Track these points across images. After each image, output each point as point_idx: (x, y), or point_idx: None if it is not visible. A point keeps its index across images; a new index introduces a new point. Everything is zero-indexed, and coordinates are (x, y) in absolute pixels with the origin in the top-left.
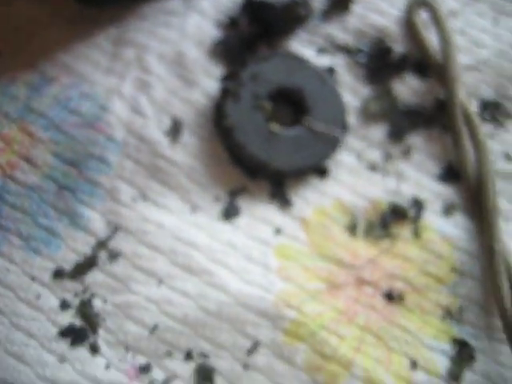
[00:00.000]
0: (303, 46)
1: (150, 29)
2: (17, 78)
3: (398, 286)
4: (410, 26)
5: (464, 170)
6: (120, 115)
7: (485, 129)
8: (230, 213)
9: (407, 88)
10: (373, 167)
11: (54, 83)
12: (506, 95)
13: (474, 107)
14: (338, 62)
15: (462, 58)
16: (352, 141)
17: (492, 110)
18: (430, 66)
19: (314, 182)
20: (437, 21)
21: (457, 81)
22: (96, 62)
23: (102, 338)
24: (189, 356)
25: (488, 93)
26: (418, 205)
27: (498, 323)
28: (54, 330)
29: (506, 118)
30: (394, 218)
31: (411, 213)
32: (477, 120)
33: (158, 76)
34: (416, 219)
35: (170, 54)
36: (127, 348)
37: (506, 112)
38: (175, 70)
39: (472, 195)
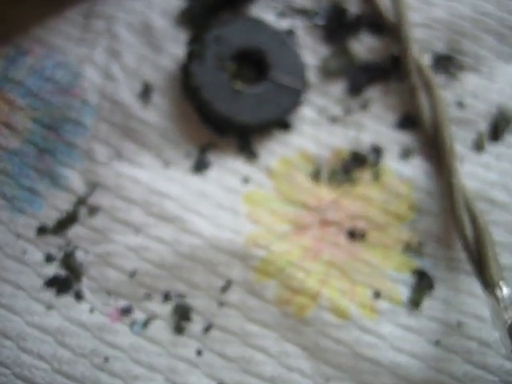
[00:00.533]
0: (264, 12)
1: (117, 1)
2: None
3: (360, 224)
4: None
5: (420, 117)
6: (93, 81)
7: (438, 80)
8: (200, 166)
9: (363, 46)
10: (334, 120)
11: (29, 55)
12: (458, 49)
13: (426, 61)
14: (296, 24)
15: (414, 17)
16: (313, 97)
17: (444, 63)
18: (384, 25)
19: (279, 135)
20: None
21: (409, 38)
22: (68, 33)
23: (85, 285)
24: (167, 297)
25: (440, 48)
26: (376, 151)
27: (456, 255)
28: (40, 282)
29: (458, 70)
30: (354, 164)
31: (371, 159)
32: (430, 73)
33: (127, 44)
34: (375, 164)
35: (138, 23)
36: (109, 293)
37: (458, 64)
38: (143, 38)
39: (429, 140)
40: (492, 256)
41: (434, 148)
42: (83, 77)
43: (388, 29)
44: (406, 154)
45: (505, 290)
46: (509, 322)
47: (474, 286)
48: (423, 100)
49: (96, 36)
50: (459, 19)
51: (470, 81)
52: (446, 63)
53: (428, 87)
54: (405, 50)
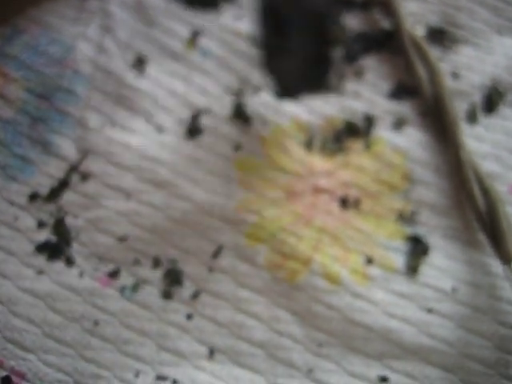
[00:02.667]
0: None
1: None
2: None
3: (353, 193)
4: None
5: (420, 87)
6: (86, 53)
7: (433, 53)
8: (193, 132)
9: (356, 21)
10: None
11: (25, 33)
12: (452, 22)
13: (421, 34)
14: None
15: None
16: None
17: (439, 36)
18: (374, 2)
19: (273, 103)
20: None
21: (401, 13)
22: (63, 14)
23: (75, 250)
24: (157, 262)
25: (435, 21)
26: (369, 120)
27: (450, 223)
28: (31, 247)
29: (453, 43)
30: (347, 134)
31: (363, 128)
32: (425, 45)
33: (120, 20)
34: (368, 133)
35: (131, 1)
36: (100, 258)
37: (453, 37)
38: (136, 14)
39: (426, 110)
40: (507, 229)
41: (430, 118)
42: (76, 50)
43: (379, 5)
44: (399, 123)
45: None
46: None
47: (469, 253)
48: (421, 72)
49: (90, 15)
50: None
51: (464, 53)
52: (441, 36)
53: (425, 59)
54: (398, 24)
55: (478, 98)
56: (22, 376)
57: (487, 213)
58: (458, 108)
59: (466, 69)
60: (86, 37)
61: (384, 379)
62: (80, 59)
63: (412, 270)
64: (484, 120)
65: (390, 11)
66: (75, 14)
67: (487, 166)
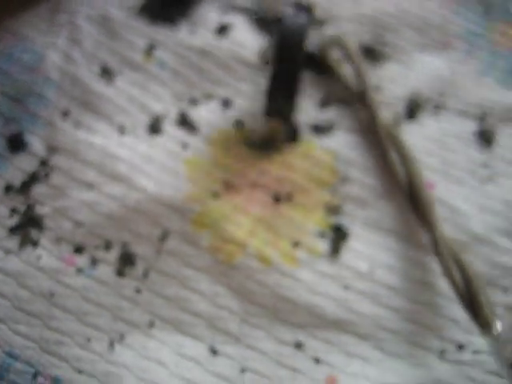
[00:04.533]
0: (209, 10)
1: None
2: None
3: (286, 188)
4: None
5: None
6: (56, 62)
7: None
8: (148, 134)
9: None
10: None
11: (0, 42)
12: (381, 41)
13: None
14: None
15: (344, 12)
16: (254, 76)
17: (369, 52)
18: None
19: (218, 110)
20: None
21: (377, 104)
22: (36, 26)
23: (43, 234)
24: (113, 244)
25: (366, 40)
26: (300, 126)
27: (371, 215)
28: (4, 232)
29: (381, 59)
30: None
31: (298, 132)
32: (400, 135)
33: (87, 33)
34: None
35: (97, 16)
36: (64, 241)
37: (381, 54)
38: (101, 27)
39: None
40: (484, 300)
41: (370, 124)
42: (47, 58)
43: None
44: (330, 127)
45: (499, 328)
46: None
47: (386, 240)
48: (396, 163)
49: (60, 27)
50: (384, 15)
51: (389, 68)
52: (371, 53)
53: (400, 152)
54: (373, 117)
55: (401, 107)
56: None
57: (465, 287)
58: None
59: (391, 82)
60: (55, 47)
61: (299, 345)
62: (50, 67)
63: (334, 253)
64: (406, 126)
65: (366, 103)
66: (47, 26)
67: None
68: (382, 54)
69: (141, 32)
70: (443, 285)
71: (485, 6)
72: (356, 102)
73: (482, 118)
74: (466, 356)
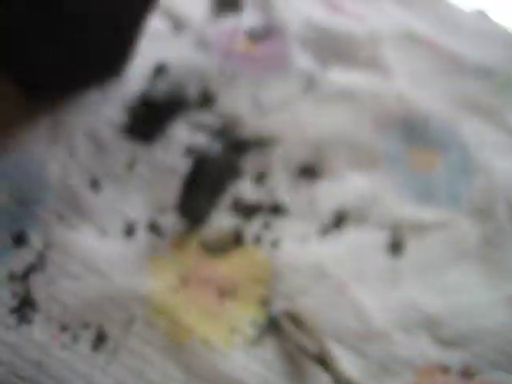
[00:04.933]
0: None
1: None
2: None
3: (229, 284)
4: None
5: None
6: (55, 172)
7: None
8: (127, 234)
9: None
10: None
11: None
12: (319, 161)
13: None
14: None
15: (289, 135)
16: None
17: (308, 170)
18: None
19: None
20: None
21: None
22: (38, 141)
23: (37, 315)
24: (90, 326)
25: (307, 158)
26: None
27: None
28: (5, 310)
29: (316, 175)
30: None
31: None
32: None
33: (81, 147)
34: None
35: (90, 132)
36: (53, 321)
37: (317, 171)
38: (93, 143)
39: None
40: None
41: None
42: (47, 169)
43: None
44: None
45: None
46: None
47: None
48: None
49: (59, 142)
50: (322, 138)
51: (322, 184)
52: (309, 170)
53: None
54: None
55: (327, 219)
56: None
57: None
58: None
59: (321, 197)
60: (55, 159)
61: None
62: (50, 176)
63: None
64: (331, 236)
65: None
66: (46, 141)
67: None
68: (319, 171)
69: (124, 148)
70: None
71: (406, 131)
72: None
73: (394, 230)
74: None
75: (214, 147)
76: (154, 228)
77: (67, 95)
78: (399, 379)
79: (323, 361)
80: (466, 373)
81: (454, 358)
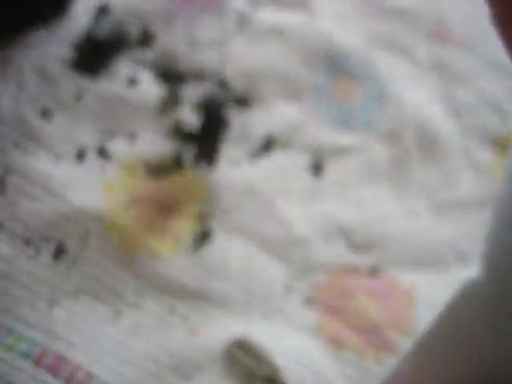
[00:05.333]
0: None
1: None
2: None
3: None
4: None
5: None
6: (7, 105)
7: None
8: (79, 157)
9: None
10: None
11: None
12: (252, 91)
13: None
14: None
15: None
16: None
17: (242, 100)
18: None
19: (129, 142)
20: None
21: None
22: None
23: (1, 233)
24: (51, 240)
25: (241, 89)
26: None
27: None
28: None
29: (249, 104)
30: None
31: None
32: None
33: (31, 81)
34: None
35: (39, 67)
36: (18, 237)
37: (250, 101)
38: (43, 77)
39: None
40: None
41: None
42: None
43: None
44: None
45: None
46: None
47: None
48: None
49: (9, 77)
50: (255, 69)
51: (255, 113)
52: (243, 100)
53: None
54: None
55: (258, 144)
56: None
57: None
58: (242, 148)
59: (253, 124)
60: (6, 93)
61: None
62: (3, 109)
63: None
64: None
65: None
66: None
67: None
68: (251, 101)
69: (72, 80)
70: None
71: (330, 66)
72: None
73: (315, 153)
74: None
75: None
76: (103, 152)
77: (15, 35)
78: (315, 278)
79: (274, 381)
80: (372, 272)
81: (364, 260)
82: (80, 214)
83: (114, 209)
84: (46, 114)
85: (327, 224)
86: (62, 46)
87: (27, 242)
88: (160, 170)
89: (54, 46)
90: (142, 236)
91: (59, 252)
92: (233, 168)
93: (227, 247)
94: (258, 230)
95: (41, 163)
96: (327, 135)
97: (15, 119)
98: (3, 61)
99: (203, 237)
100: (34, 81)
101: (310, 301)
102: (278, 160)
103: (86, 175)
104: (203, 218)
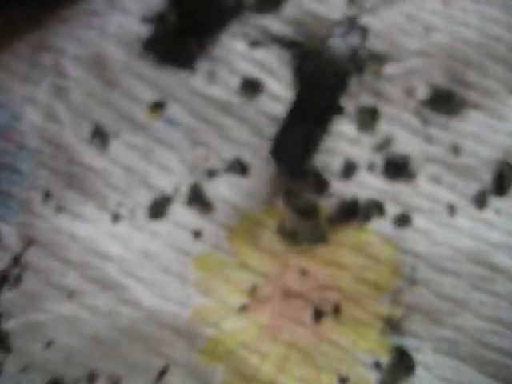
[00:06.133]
0: (235, 39)
1: (68, 31)
2: None
3: (331, 296)
4: None
5: None
6: (33, 122)
7: (436, 120)
8: (150, 220)
9: None
10: None
11: None
12: (461, 80)
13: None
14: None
15: (411, 43)
16: None
17: (445, 99)
18: None
19: (244, 184)
20: None
21: None
22: (14, 70)
23: (8, 358)
24: (98, 378)
25: (439, 79)
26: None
27: (445, 334)
28: None
29: (460, 107)
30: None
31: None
32: None
33: (76, 81)
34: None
35: (88, 55)
36: (33, 370)
37: (460, 100)
38: (95, 73)
39: None
40: None
41: None
42: (23, 118)
43: None
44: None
45: None
46: None
47: (466, 372)
48: None
49: (42, 72)
50: (463, 45)
51: (472, 119)
52: (445, 99)
53: None
54: None
55: (487, 175)
56: None
57: None
58: (462, 189)
59: (473, 139)
60: (34, 101)
61: None
62: (26, 131)
63: None
64: (495, 203)
65: None
66: (27, 70)
67: (498, 258)
68: (462, 99)
69: (145, 78)
70: None
71: None
72: None
73: None
74: None
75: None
76: (198, 201)
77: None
78: None
79: None
80: None
81: None
82: (152, 326)
83: (216, 317)
84: (98, 138)
85: None
86: (131, 15)
87: (51, 382)
88: (306, 230)
89: (115, 17)
90: (270, 370)
91: None
92: None
93: None
94: None
95: (85, 229)
96: None
97: (46, 151)
98: (34, 43)
99: (398, 368)
100: (81, 80)
101: None
102: None
103: (165, 248)
104: (394, 327)
